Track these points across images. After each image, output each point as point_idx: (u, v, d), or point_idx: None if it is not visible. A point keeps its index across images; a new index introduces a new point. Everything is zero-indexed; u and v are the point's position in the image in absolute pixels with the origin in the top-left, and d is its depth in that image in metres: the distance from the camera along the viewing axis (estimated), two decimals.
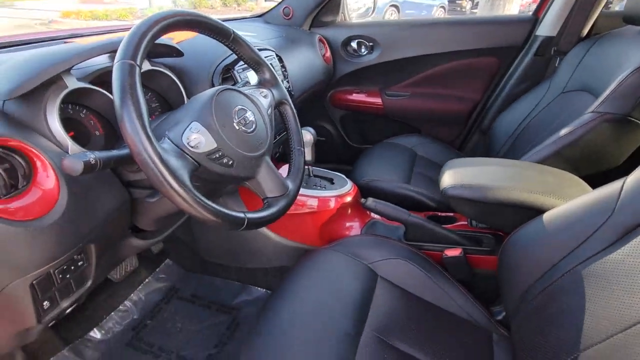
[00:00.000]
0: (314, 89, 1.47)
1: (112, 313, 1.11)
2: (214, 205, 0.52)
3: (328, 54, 1.61)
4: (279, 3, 1.57)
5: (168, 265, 1.30)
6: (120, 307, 1.13)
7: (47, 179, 0.52)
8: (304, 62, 1.40)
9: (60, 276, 0.56)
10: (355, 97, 1.73)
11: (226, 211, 0.54)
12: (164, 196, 0.50)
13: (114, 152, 0.53)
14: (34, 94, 0.55)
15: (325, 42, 1.62)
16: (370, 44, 1.62)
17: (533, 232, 0.69)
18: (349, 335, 0.68)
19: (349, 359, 0.64)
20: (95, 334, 1.05)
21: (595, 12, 1.24)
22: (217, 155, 0.57)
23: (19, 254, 0.49)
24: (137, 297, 1.18)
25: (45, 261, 0.52)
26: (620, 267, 0.51)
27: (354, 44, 1.65)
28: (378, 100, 1.69)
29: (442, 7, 8.55)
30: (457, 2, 9.22)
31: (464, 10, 9.27)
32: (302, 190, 1.06)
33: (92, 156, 0.48)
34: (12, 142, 0.50)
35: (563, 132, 0.95)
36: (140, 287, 1.20)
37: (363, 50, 1.65)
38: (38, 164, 0.52)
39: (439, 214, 1.10)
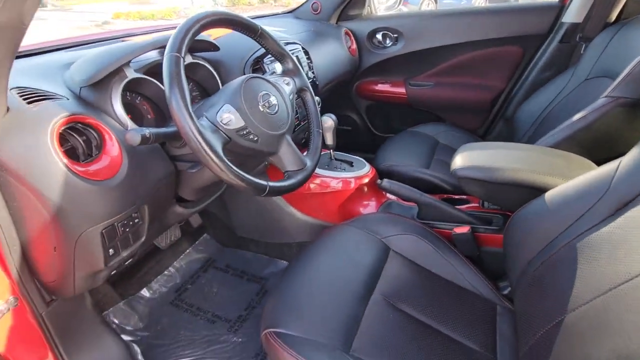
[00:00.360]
0: (339, 80, 1.55)
1: (159, 276, 1.28)
2: (240, 171, 0.64)
3: (354, 46, 1.68)
4: None
5: (206, 239, 1.46)
6: (166, 272, 1.30)
7: (113, 149, 0.66)
8: (330, 54, 1.47)
9: (122, 229, 0.70)
10: (380, 87, 1.77)
11: (251, 177, 0.65)
12: (202, 162, 0.62)
13: (163, 130, 0.66)
14: (102, 82, 0.69)
15: (352, 34, 1.68)
16: (395, 35, 1.66)
17: (536, 210, 0.72)
18: (359, 297, 0.75)
19: (357, 316, 0.72)
20: (145, 292, 1.22)
21: None
22: (244, 132, 0.69)
23: (94, 207, 0.63)
24: (180, 264, 1.34)
25: (112, 214, 0.66)
26: (608, 239, 0.56)
27: (379, 36, 1.70)
28: (402, 90, 1.72)
29: None
30: None
31: None
32: (324, 172, 1.15)
33: (147, 131, 0.62)
34: (88, 119, 0.65)
35: (577, 116, 0.95)
36: (182, 256, 1.37)
37: (388, 41, 1.69)
38: (107, 137, 0.66)
39: (453, 196, 1.15)
